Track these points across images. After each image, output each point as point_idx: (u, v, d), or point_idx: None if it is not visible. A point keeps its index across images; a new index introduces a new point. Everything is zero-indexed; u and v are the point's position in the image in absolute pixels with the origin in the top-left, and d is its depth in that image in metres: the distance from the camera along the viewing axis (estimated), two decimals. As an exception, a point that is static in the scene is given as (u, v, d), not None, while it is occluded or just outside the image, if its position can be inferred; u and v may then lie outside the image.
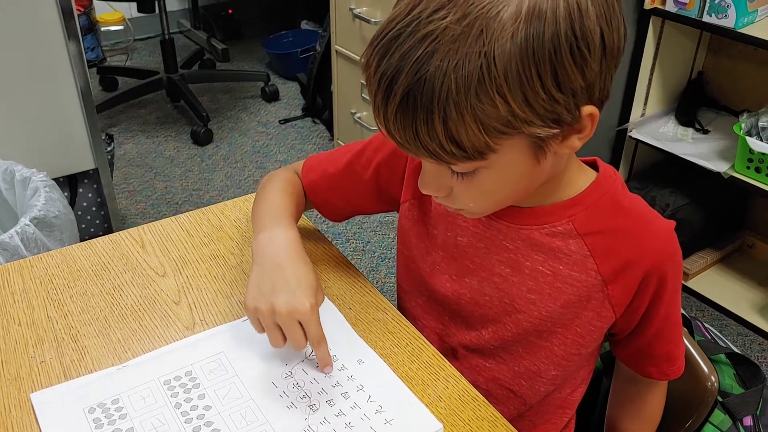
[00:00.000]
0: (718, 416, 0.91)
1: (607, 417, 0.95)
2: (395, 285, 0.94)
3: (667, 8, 1.76)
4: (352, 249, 2.16)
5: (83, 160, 1.96)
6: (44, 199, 1.59)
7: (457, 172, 0.66)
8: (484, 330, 0.82)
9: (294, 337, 0.72)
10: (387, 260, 2.12)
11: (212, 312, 0.84)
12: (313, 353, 0.76)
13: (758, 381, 0.95)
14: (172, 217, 1.00)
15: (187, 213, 1.01)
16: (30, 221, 1.52)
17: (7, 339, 0.80)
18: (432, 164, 0.67)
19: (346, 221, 2.25)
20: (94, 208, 2.08)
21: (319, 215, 0.95)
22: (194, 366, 0.75)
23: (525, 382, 0.83)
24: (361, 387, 0.73)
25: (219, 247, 0.95)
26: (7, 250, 1.47)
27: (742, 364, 0.96)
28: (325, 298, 0.84)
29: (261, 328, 0.74)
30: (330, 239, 0.97)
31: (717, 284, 2.00)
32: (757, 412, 0.94)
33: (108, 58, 3.35)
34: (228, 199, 2.29)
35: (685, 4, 1.72)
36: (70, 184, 2.02)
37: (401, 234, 0.88)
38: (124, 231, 0.97)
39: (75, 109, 1.88)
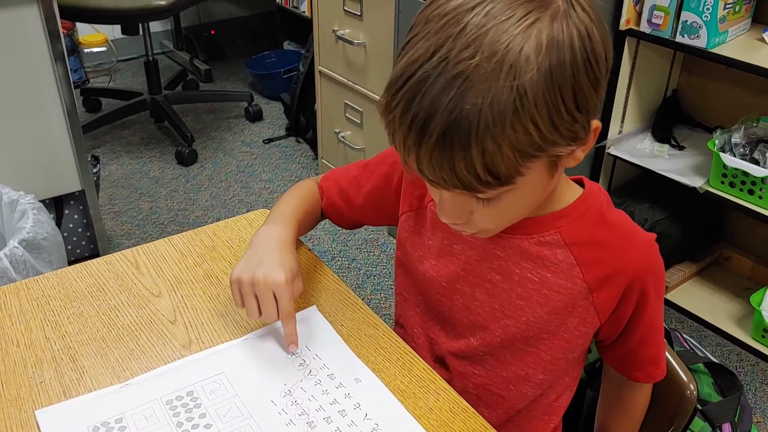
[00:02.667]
0: (698, 424, 0.95)
1: (596, 419, 0.98)
2: (381, 301, 0.98)
3: (641, 29, 1.82)
4: (337, 266, 2.19)
5: (69, 182, 1.97)
6: (32, 221, 1.60)
7: (482, 199, 0.69)
8: (473, 337, 0.86)
9: (267, 307, 0.80)
10: (373, 277, 2.14)
11: (208, 331, 0.86)
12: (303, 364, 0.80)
13: (735, 389, 0.98)
14: (166, 239, 1.02)
15: (179, 234, 1.03)
16: (19, 243, 1.53)
17: (6, 360, 0.82)
18: (456, 195, 0.69)
19: (332, 240, 2.28)
20: (80, 230, 2.09)
21: (313, 235, 0.98)
22: (195, 386, 0.77)
23: (513, 386, 0.86)
24: (358, 405, 0.76)
25: (212, 267, 0.97)
26: (-4, 272, 1.47)
27: (719, 373, 1.00)
28: (323, 318, 0.87)
29: (240, 302, 0.82)
30: (317, 256, 1.00)
31: (695, 296, 2.05)
32: (735, 420, 0.97)
33: (91, 80, 3.36)
34: (214, 218, 2.30)
35: (659, 25, 1.78)
36: (56, 205, 2.03)
37: (399, 244, 0.93)
38: (118, 252, 0.99)
39: (61, 131, 1.90)
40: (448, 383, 0.81)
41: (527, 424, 0.91)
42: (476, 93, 0.60)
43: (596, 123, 0.69)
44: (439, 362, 0.90)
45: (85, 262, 0.97)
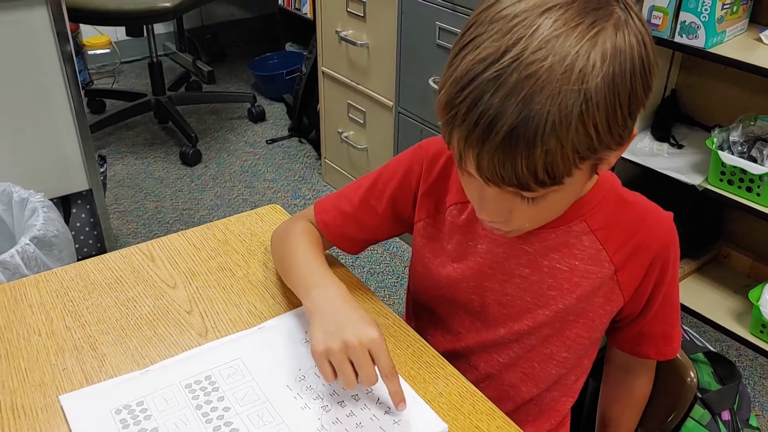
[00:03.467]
0: (698, 411, 0.97)
1: (599, 407, 1.01)
2: (385, 298, 1.00)
3: (640, 29, 1.84)
4: (341, 265, 2.21)
5: (77, 181, 2.00)
6: (43, 219, 1.63)
7: (527, 198, 0.70)
8: (503, 328, 0.88)
9: (367, 372, 0.73)
10: (376, 275, 2.17)
11: (223, 320, 0.89)
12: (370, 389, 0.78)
13: (734, 378, 1.01)
14: (179, 233, 1.05)
15: (192, 228, 1.06)
16: (30, 240, 1.55)
17: (29, 348, 0.84)
18: (502, 193, 0.71)
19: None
20: (87, 228, 2.12)
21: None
22: (213, 371, 0.80)
23: (537, 365, 0.89)
24: (370, 390, 0.78)
25: (226, 260, 1.00)
26: (8, 268, 1.50)
27: (718, 362, 1.02)
28: None
29: (332, 375, 0.74)
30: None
31: (695, 293, 2.08)
32: (734, 407, 1.00)
33: (95, 81, 3.39)
34: (219, 217, 2.33)
35: (658, 25, 1.80)
36: (63, 205, 2.05)
37: (416, 251, 0.94)
38: (134, 246, 1.02)
39: (69, 131, 1.92)
40: (473, 368, 0.83)
41: (546, 405, 0.94)
42: (546, 95, 0.62)
43: (636, 130, 0.72)
44: (462, 352, 0.92)
45: (102, 255, 1.00)
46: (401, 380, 0.79)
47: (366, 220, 0.94)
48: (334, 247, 0.98)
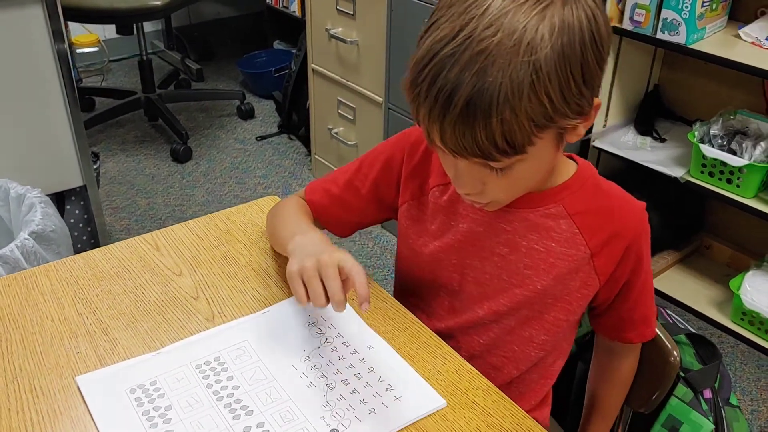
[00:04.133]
0: (681, 389, 1.02)
1: (587, 387, 1.06)
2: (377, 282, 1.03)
3: (624, 26, 1.90)
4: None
5: (72, 177, 2.02)
6: (41, 214, 1.65)
7: (496, 168, 0.76)
8: (480, 308, 0.92)
9: (333, 282, 0.77)
10: (368, 268, 2.20)
11: (229, 305, 0.93)
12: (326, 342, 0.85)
13: (715, 358, 1.06)
14: (182, 223, 1.08)
15: (195, 219, 1.10)
16: (29, 235, 1.58)
17: (43, 333, 0.88)
18: (472, 165, 0.76)
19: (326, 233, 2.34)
20: (81, 225, 2.14)
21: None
22: (221, 352, 0.84)
23: (517, 347, 0.94)
24: (372, 369, 0.83)
25: (228, 248, 1.04)
26: (8, 263, 1.53)
27: (700, 344, 1.07)
28: None
29: (303, 294, 0.78)
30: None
31: (678, 283, 2.14)
32: (716, 386, 1.05)
33: (83, 79, 3.40)
34: (211, 213, 2.36)
35: (640, 22, 1.86)
36: (57, 201, 2.08)
37: (401, 233, 0.98)
38: (139, 236, 1.05)
39: (64, 128, 1.95)
40: (456, 350, 0.88)
41: (526, 387, 0.98)
42: (497, 67, 0.68)
43: (598, 100, 0.76)
44: (446, 337, 0.96)
45: (108, 246, 1.04)
46: (405, 363, 0.83)
47: (351, 201, 0.99)
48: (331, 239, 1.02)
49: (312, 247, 0.83)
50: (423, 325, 0.91)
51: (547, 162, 0.80)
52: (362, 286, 0.77)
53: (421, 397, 0.80)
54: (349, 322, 0.89)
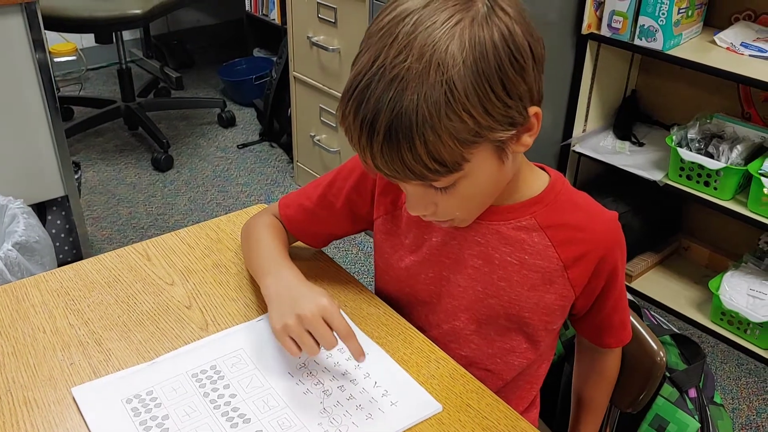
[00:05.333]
0: (667, 389, 1.04)
1: (573, 386, 1.07)
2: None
3: (602, 33, 1.93)
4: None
5: (53, 188, 2.01)
6: (24, 225, 1.64)
7: (440, 188, 0.77)
8: (458, 320, 0.93)
9: (325, 337, 0.79)
10: (353, 274, 2.21)
11: (222, 314, 0.93)
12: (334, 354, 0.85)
13: (699, 358, 1.08)
14: (173, 232, 1.09)
15: (185, 228, 1.10)
16: (12, 246, 1.57)
17: (35, 345, 0.87)
18: (416, 187, 0.78)
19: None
20: (62, 235, 2.13)
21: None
22: (217, 361, 0.84)
23: (500, 359, 0.95)
24: (367, 374, 0.84)
25: (220, 257, 1.04)
26: (-8, 274, 1.51)
27: (684, 344, 1.10)
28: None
29: (296, 349, 0.81)
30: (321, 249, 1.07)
31: (657, 284, 2.17)
32: (700, 385, 1.07)
33: (60, 88, 3.37)
34: (193, 221, 2.35)
35: (618, 29, 1.89)
36: (38, 211, 2.06)
37: (377, 247, 0.99)
38: (129, 246, 1.05)
39: (45, 137, 1.93)
40: None
41: (513, 394, 0.99)
42: (411, 91, 0.69)
43: (534, 109, 0.76)
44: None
45: (98, 256, 1.03)
46: (400, 368, 0.84)
47: (325, 215, 0.99)
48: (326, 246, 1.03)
49: (288, 297, 0.84)
50: (415, 330, 0.92)
51: (494, 175, 0.79)
52: (351, 341, 0.80)
53: (417, 401, 0.81)
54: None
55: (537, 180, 0.89)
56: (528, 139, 0.78)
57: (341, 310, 0.82)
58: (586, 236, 0.88)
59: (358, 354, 0.80)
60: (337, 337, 0.81)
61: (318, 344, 0.80)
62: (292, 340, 0.81)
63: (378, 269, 1.01)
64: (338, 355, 0.86)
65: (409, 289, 0.96)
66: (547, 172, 0.91)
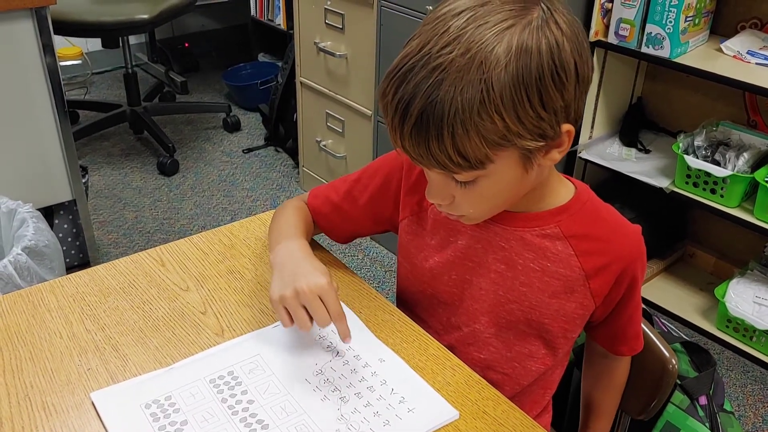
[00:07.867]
0: (678, 397, 1.05)
1: (582, 392, 1.08)
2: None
3: (609, 40, 1.94)
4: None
5: (61, 192, 2.01)
6: (33, 229, 1.64)
7: (460, 182, 0.79)
8: (478, 323, 0.94)
9: (318, 312, 0.83)
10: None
11: (237, 320, 0.94)
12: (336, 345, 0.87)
13: (710, 365, 1.09)
14: (186, 238, 1.09)
15: (198, 234, 1.10)
16: (22, 250, 1.57)
17: (52, 350, 0.88)
18: (438, 176, 0.80)
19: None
20: (69, 239, 2.13)
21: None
22: (234, 367, 0.84)
23: (518, 364, 0.95)
24: (384, 381, 0.84)
25: (234, 263, 1.04)
26: (2, 278, 1.52)
27: (694, 351, 1.10)
28: (344, 305, 0.94)
29: (288, 320, 0.84)
30: (328, 251, 1.08)
31: (663, 291, 2.18)
32: (710, 392, 1.08)
33: (66, 92, 3.38)
34: (199, 226, 2.36)
35: (626, 36, 1.90)
36: (45, 215, 2.06)
37: (402, 248, 1.00)
38: (143, 252, 1.06)
39: (53, 142, 1.94)
40: None
41: (527, 399, 1.00)
42: (450, 83, 0.70)
43: (568, 126, 0.77)
44: (446, 348, 0.98)
45: (113, 261, 1.04)
46: (416, 375, 0.85)
47: (349, 211, 1.02)
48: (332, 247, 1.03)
49: (291, 270, 0.87)
50: (430, 337, 0.93)
51: (515, 181, 0.80)
52: (341, 322, 0.84)
53: (434, 408, 0.81)
54: (359, 335, 0.90)
55: (563, 189, 0.90)
56: (557, 155, 0.79)
57: (337, 295, 0.85)
58: (609, 248, 0.89)
59: (345, 335, 0.84)
60: (339, 338, 0.83)
61: (311, 320, 0.84)
62: (287, 312, 0.84)
63: (402, 269, 1.02)
64: (354, 362, 0.87)
65: (431, 290, 0.97)
66: (573, 183, 0.92)
